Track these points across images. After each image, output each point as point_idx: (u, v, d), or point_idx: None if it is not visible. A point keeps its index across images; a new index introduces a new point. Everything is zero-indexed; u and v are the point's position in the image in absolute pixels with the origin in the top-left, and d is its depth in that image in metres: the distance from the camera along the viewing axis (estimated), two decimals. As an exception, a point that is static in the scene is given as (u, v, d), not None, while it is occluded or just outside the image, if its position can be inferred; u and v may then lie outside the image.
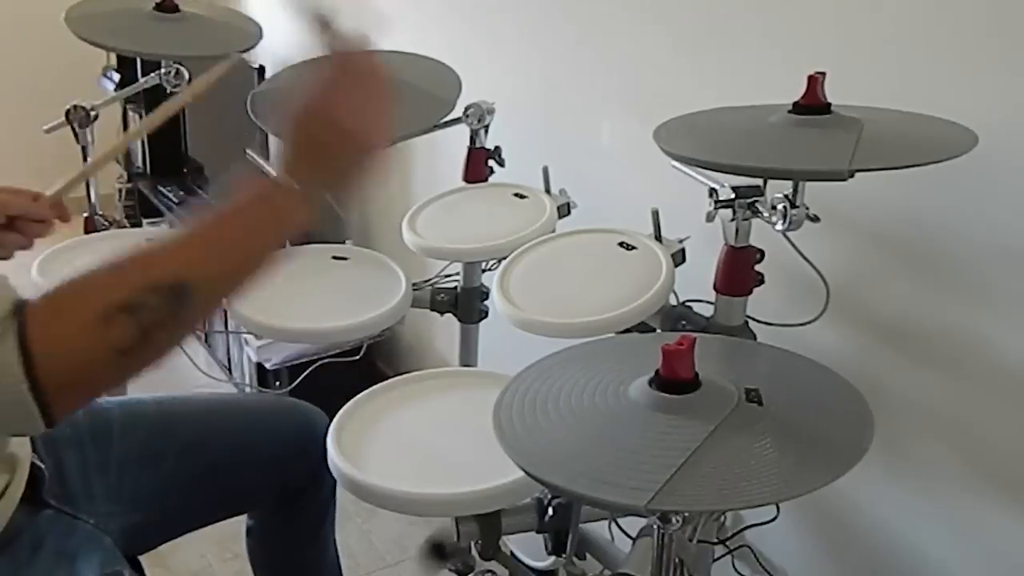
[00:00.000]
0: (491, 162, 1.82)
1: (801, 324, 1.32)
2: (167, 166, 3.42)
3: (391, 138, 0.89)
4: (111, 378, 0.83)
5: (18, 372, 0.75)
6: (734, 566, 1.61)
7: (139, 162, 3.54)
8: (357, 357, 2.15)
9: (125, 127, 3.56)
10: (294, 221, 0.88)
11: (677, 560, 1.07)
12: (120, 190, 3.66)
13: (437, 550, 1.30)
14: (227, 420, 1.38)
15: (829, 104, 1.16)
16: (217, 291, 0.86)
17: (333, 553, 1.55)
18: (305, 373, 2.28)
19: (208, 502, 1.33)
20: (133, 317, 0.78)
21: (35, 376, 0.76)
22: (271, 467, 1.38)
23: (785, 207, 1.17)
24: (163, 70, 2.00)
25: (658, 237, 1.43)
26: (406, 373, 1.39)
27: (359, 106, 0.88)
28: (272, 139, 2.69)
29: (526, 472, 0.90)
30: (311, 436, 1.31)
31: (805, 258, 1.29)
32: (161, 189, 3.32)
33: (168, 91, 2.02)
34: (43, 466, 1.12)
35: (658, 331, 1.37)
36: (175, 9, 1.91)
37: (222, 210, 0.86)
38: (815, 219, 1.18)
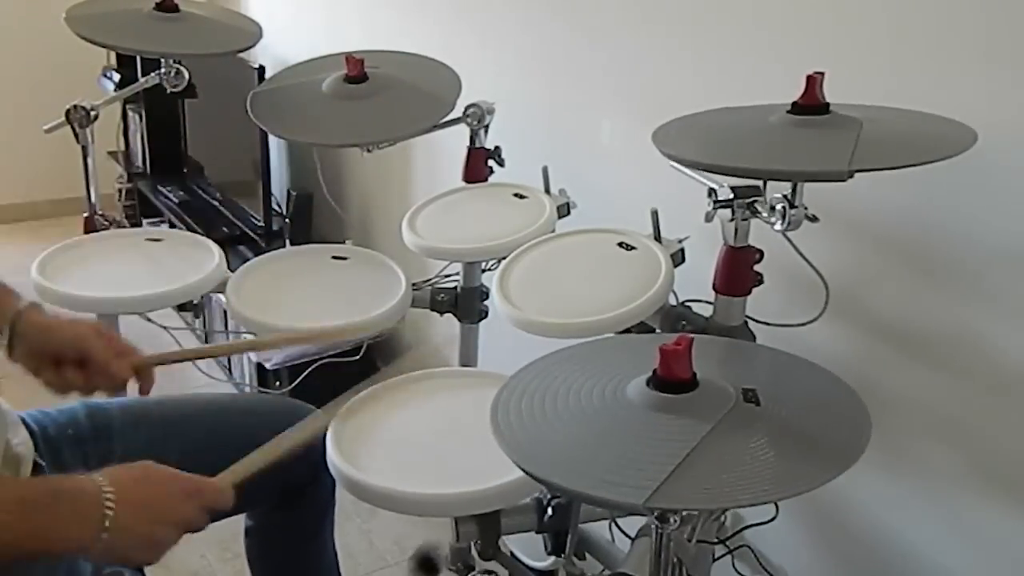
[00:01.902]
0: (491, 162, 1.82)
1: (801, 324, 1.32)
2: (167, 166, 3.42)
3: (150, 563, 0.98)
4: None
5: None
6: (734, 566, 1.61)
7: (139, 162, 3.54)
8: (357, 357, 2.15)
9: (125, 127, 3.56)
10: (74, 539, 0.91)
11: (676, 560, 1.07)
12: (120, 190, 3.67)
13: (425, 563, 1.30)
14: (227, 420, 1.38)
15: (828, 104, 1.16)
16: None
17: (332, 553, 1.55)
18: (305, 373, 2.28)
19: None
20: None
21: None
22: (271, 467, 1.38)
23: (784, 207, 1.17)
24: (163, 69, 2.00)
25: (657, 237, 1.43)
26: (406, 373, 1.39)
27: (176, 524, 0.98)
28: (272, 139, 2.69)
29: (524, 471, 0.90)
30: None
31: (804, 258, 1.29)
32: (161, 189, 3.32)
33: (168, 91, 2.02)
34: (44, 464, 1.12)
35: (657, 331, 1.37)
36: (175, 9, 1.91)
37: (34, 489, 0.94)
38: (814, 219, 1.18)
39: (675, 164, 1.28)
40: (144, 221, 3.50)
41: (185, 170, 3.38)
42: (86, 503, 0.92)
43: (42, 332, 1.14)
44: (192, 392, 2.44)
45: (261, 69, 2.60)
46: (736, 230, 1.25)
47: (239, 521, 1.49)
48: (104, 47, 2.01)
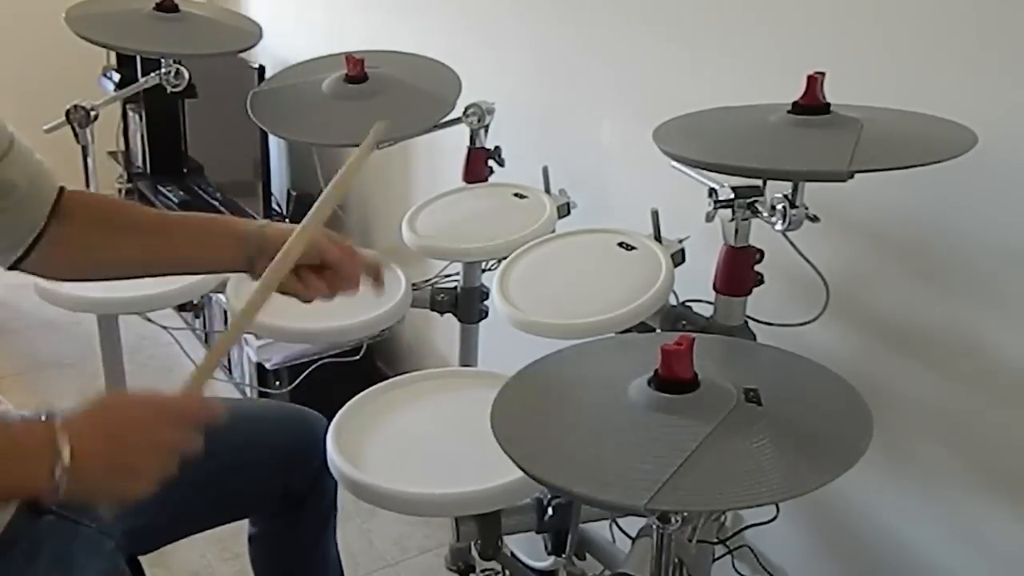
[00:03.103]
0: (491, 162, 1.82)
1: (801, 324, 1.32)
2: (167, 166, 3.42)
3: (139, 495, 0.93)
4: None
5: None
6: (734, 566, 1.61)
7: (139, 162, 3.54)
8: (357, 357, 2.16)
9: (125, 127, 3.56)
10: (28, 485, 0.90)
11: (676, 560, 1.07)
12: (120, 190, 3.66)
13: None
14: (229, 425, 1.37)
15: (828, 104, 1.16)
16: None
17: (336, 558, 1.55)
18: (305, 373, 2.28)
19: (210, 507, 1.33)
20: None
21: None
22: (272, 472, 1.38)
23: (785, 207, 1.17)
24: (163, 69, 2.00)
25: (658, 237, 1.43)
26: (406, 373, 1.39)
27: (156, 449, 0.93)
28: (272, 139, 2.69)
29: (525, 472, 0.90)
30: (312, 442, 1.31)
31: (805, 258, 1.29)
32: (161, 189, 3.32)
33: (168, 91, 2.02)
34: None
35: (658, 331, 1.37)
36: (175, 9, 1.91)
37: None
38: (815, 219, 1.18)
39: (675, 164, 1.28)
40: (144, 221, 3.50)
41: (185, 170, 3.37)
42: (35, 441, 0.89)
43: (279, 244, 1.13)
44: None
45: (261, 69, 2.60)
46: (736, 230, 1.25)
47: (239, 521, 1.49)
48: (104, 47, 2.01)
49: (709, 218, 1.24)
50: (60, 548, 1.09)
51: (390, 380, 1.36)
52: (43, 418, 0.92)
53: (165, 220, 1.22)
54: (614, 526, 1.53)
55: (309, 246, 1.11)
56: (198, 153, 3.33)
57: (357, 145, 1.50)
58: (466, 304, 1.76)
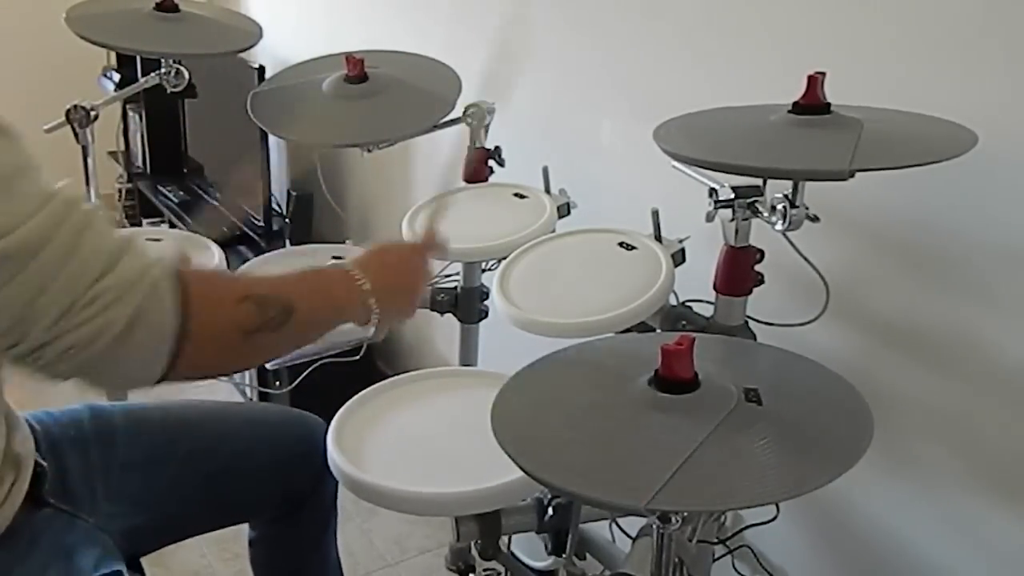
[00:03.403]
0: (491, 162, 1.82)
1: (801, 324, 1.32)
2: (167, 166, 3.42)
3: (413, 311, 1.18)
4: (227, 357, 0.96)
5: (170, 330, 0.86)
6: (734, 566, 1.61)
7: (139, 162, 3.54)
8: (357, 357, 2.15)
9: (125, 127, 3.56)
10: (354, 313, 1.07)
11: (677, 560, 1.07)
12: (120, 190, 3.66)
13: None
14: (230, 428, 1.38)
15: (829, 104, 1.16)
16: (305, 329, 1.02)
17: (336, 561, 1.55)
18: (305, 373, 2.28)
19: (210, 509, 1.33)
20: (258, 309, 0.94)
21: (183, 335, 0.87)
22: (272, 476, 1.38)
23: (785, 207, 1.17)
24: (163, 70, 2.00)
25: (658, 237, 1.43)
26: (406, 373, 1.39)
27: (422, 281, 1.19)
28: (272, 139, 2.69)
29: (525, 471, 0.90)
30: (312, 445, 1.31)
31: (805, 258, 1.29)
32: (161, 189, 3.32)
33: (168, 91, 2.01)
34: (45, 464, 1.12)
35: (658, 331, 1.37)
36: (175, 9, 1.91)
37: (321, 274, 1.09)
38: (815, 219, 1.18)
39: (675, 164, 1.28)
40: (144, 221, 3.50)
41: (185, 170, 3.37)
42: (341, 273, 1.07)
43: None
44: (195, 398, 2.45)
45: (261, 69, 2.60)
46: (737, 230, 1.25)
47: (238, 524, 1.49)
48: (104, 47, 2.01)
49: (709, 218, 1.24)
50: (60, 537, 1.09)
51: (390, 380, 1.36)
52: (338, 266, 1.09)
53: None
54: (614, 526, 1.53)
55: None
56: (198, 153, 3.33)
57: (357, 145, 1.53)
58: (466, 304, 1.76)
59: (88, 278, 0.82)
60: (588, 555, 1.46)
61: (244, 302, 0.93)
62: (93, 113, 1.91)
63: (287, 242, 2.77)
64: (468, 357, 1.84)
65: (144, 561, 1.26)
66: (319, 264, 1.13)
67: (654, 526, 0.99)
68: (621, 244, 1.43)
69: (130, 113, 3.51)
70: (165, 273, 0.87)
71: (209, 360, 0.93)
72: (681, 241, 1.44)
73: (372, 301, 1.05)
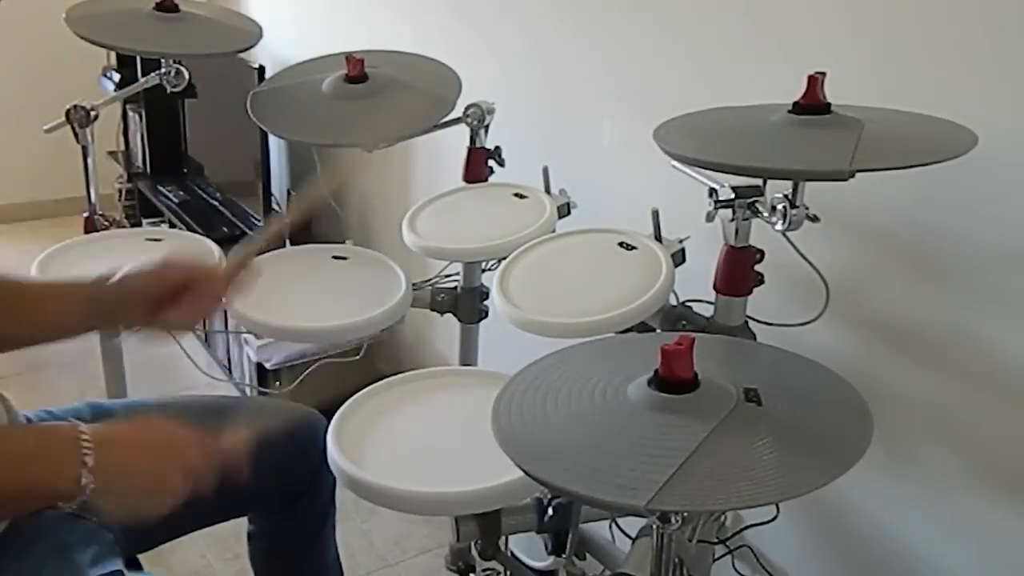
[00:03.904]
0: (491, 162, 1.82)
1: (801, 324, 1.32)
2: (167, 166, 3.42)
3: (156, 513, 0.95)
4: None
5: None
6: (734, 566, 1.61)
7: (139, 162, 3.54)
8: (357, 357, 2.16)
9: (125, 127, 3.56)
10: (54, 485, 0.91)
11: (677, 560, 1.07)
12: (120, 190, 3.66)
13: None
14: (228, 423, 1.38)
15: (829, 104, 1.16)
16: None
17: (335, 556, 1.56)
18: (305, 373, 2.28)
19: (209, 504, 1.33)
20: None
21: None
22: (271, 470, 1.38)
23: (785, 207, 1.17)
24: (163, 69, 2.00)
25: (658, 237, 1.43)
26: (406, 373, 1.39)
27: (181, 466, 0.97)
28: (272, 139, 2.69)
29: (524, 471, 0.90)
30: (311, 439, 1.31)
31: (805, 258, 1.29)
32: (161, 189, 3.32)
33: (168, 91, 2.02)
34: None
35: (658, 331, 1.37)
36: (175, 9, 1.91)
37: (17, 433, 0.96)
38: (815, 219, 1.18)
39: (676, 164, 1.28)
40: (144, 221, 3.50)
41: (185, 170, 3.37)
42: (60, 439, 0.91)
43: (133, 293, 1.11)
44: (193, 393, 2.45)
45: (261, 69, 2.60)
46: (737, 230, 1.25)
47: (239, 520, 1.50)
48: (104, 47, 2.01)
49: (709, 218, 1.24)
50: (60, 534, 1.10)
51: (390, 380, 1.36)
52: (71, 422, 0.94)
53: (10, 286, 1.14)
54: (614, 526, 1.53)
55: (150, 288, 1.10)
56: (198, 153, 3.33)
57: (357, 145, 1.49)
58: (466, 304, 1.76)
59: None
60: (588, 555, 1.46)
61: None
62: (93, 113, 1.91)
63: (287, 242, 2.77)
64: (468, 357, 1.84)
65: (144, 560, 1.26)
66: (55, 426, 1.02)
67: (654, 526, 0.99)
68: (621, 244, 1.43)
69: (130, 113, 3.52)
70: None
71: None
72: (681, 241, 1.44)
73: (87, 479, 0.89)
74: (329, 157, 2.41)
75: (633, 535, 1.31)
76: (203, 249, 1.77)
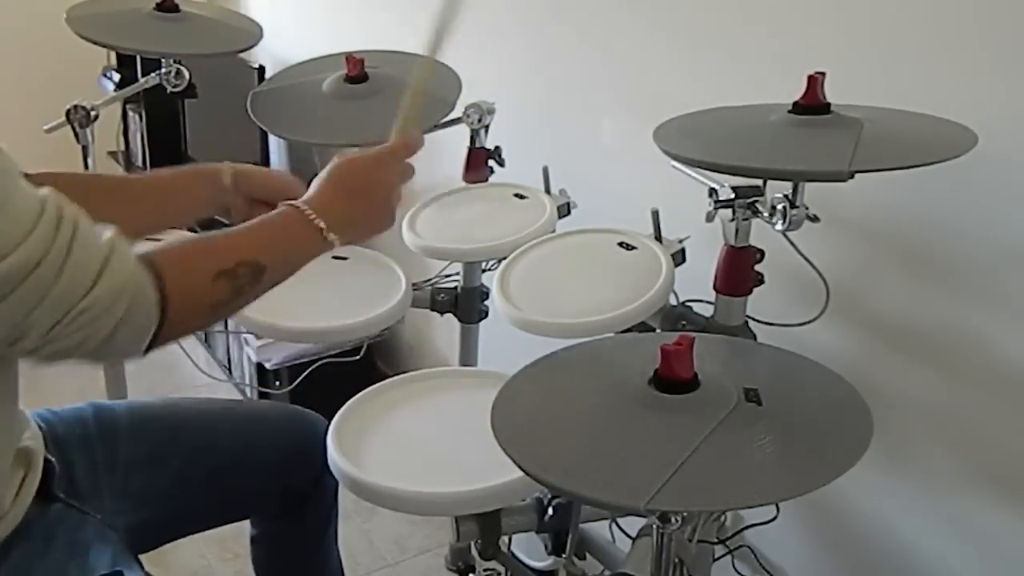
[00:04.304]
0: (491, 162, 1.82)
1: (801, 324, 1.32)
2: (167, 166, 3.41)
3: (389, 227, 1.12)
4: (198, 327, 1.00)
5: (151, 326, 0.89)
6: (734, 566, 1.61)
7: (139, 162, 3.54)
8: (357, 357, 2.15)
9: (125, 127, 3.56)
10: (316, 251, 1.06)
11: (677, 560, 1.07)
12: (120, 190, 3.66)
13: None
14: (231, 425, 1.38)
15: (829, 104, 1.16)
16: (273, 283, 1.01)
17: (337, 560, 1.56)
18: (305, 373, 2.28)
19: (211, 505, 1.34)
20: (231, 282, 0.95)
21: (161, 324, 0.90)
22: (274, 472, 1.39)
23: (785, 207, 1.17)
24: (163, 70, 2.00)
25: (658, 237, 1.43)
26: (406, 373, 1.39)
27: (393, 193, 1.11)
28: (272, 139, 2.69)
29: (524, 471, 0.90)
30: (312, 443, 1.31)
31: (805, 258, 1.29)
32: (161, 189, 3.31)
33: (168, 91, 2.01)
34: (53, 460, 1.13)
35: (658, 331, 1.37)
36: (175, 9, 1.91)
37: (278, 223, 1.04)
38: (815, 219, 1.18)
39: (675, 164, 1.28)
40: (144, 221, 3.50)
41: (185, 170, 3.37)
42: (295, 223, 1.03)
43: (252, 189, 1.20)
44: (197, 396, 2.45)
45: (261, 69, 2.60)
46: (737, 230, 1.25)
47: (239, 522, 1.50)
48: (104, 47, 2.01)
49: (709, 218, 1.24)
50: (73, 534, 1.11)
51: (390, 380, 1.36)
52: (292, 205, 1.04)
53: (132, 181, 1.25)
54: (614, 526, 1.53)
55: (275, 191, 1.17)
56: (198, 153, 3.33)
57: (357, 145, 1.49)
58: (466, 304, 1.76)
59: (79, 291, 0.84)
60: (588, 555, 1.46)
61: (218, 279, 0.94)
62: (93, 113, 1.91)
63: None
64: (468, 357, 1.84)
65: (144, 560, 1.26)
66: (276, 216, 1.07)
67: (654, 526, 0.99)
68: (621, 244, 1.43)
69: (130, 113, 3.51)
70: (146, 274, 0.89)
71: (183, 332, 0.96)
72: (681, 241, 1.44)
73: (332, 236, 1.04)
74: (329, 157, 2.41)
75: (633, 535, 1.31)
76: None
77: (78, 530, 1.12)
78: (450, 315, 1.78)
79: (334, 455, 1.19)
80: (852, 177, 1.02)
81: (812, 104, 1.16)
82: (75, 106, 1.90)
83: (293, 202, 1.04)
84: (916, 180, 1.11)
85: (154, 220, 1.19)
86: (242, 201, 1.19)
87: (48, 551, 1.07)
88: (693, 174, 1.29)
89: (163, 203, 1.20)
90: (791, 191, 1.17)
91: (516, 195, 1.69)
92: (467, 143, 1.81)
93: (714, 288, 1.30)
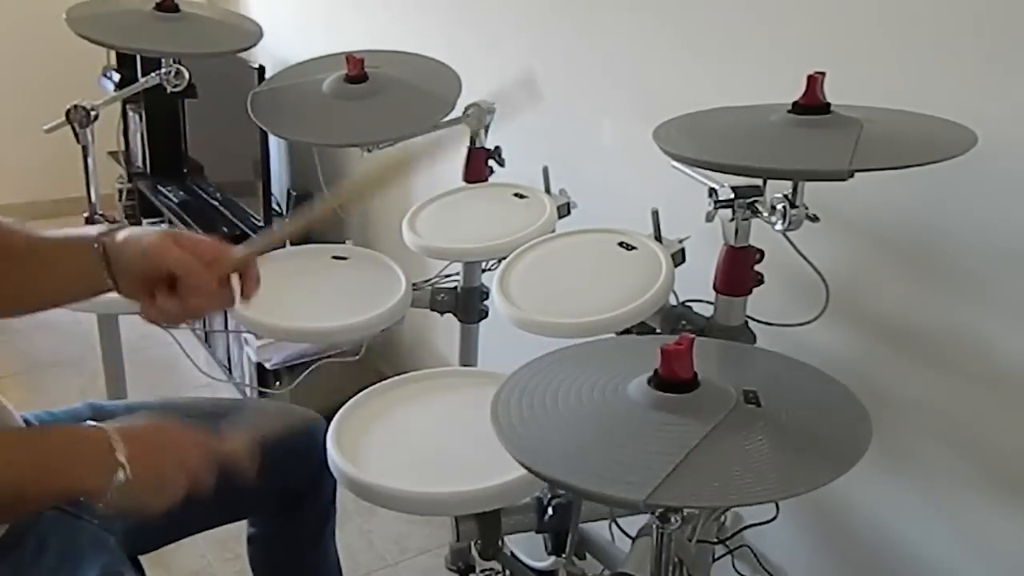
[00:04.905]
0: (491, 162, 1.82)
1: (801, 324, 1.32)
2: (167, 166, 3.42)
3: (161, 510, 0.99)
4: None
5: None
6: (734, 566, 1.61)
7: (139, 162, 3.54)
8: (357, 357, 2.16)
9: (125, 127, 3.56)
10: (85, 484, 0.95)
11: (677, 560, 1.07)
12: (120, 190, 3.67)
13: None
14: (228, 425, 1.38)
15: (829, 104, 1.16)
16: (24, 508, 0.95)
17: (335, 559, 1.56)
18: (305, 373, 2.28)
19: (209, 507, 1.33)
20: None
21: None
22: (271, 472, 1.38)
23: (785, 207, 1.17)
24: (163, 69, 2.00)
25: (658, 237, 1.43)
26: (406, 373, 1.39)
27: (189, 473, 1.01)
28: (272, 139, 2.69)
29: (525, 466, 0.90)
30: (311, 442, 1.31)
31: (805, 258, 1.29)
32: (161, 189, 3.32)
33: (168, 91, 2.02)
34: None
35: (658, 331, 1.37)
36: (175, 9, 1.91)
37: (67, 447, 0.95)
38: (815, 219, 1.18)
39: (675, 164, 1.28)
40: (144, 221, 3.50)
41: (185, 170, 3.38)
42: (96, 444, 0.94)
43: (127, 263, 1.01)
44: (194, 395, 2.45)
45: (261, 69, 2.60)
46: (737, 230, 1.25)
47: (239, 522, 1.50)
48: (104, 47, 2.01)
49: (709, 218, 1.24)
50: (66, 542, 1.09)
51: (390, 380, 1.36)
52: (100, 426, 0.96)
53: (18, 236, 1.08)
54: (614, 526, 1.53)
55: (153, 264, 0.99)
56: (198, 153, 3.33)
57: (357, 145, 1.48)
58: (466, 304, 1.76)
59: None
60: (588, 555, 1.46)
61: None
62: (93, 113, 1.91)
63: (287, 242, 2.77)
64: (468, 357, 1.84)
65: (144, 561, 1.26)
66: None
67: (654, 526, 0.99)
68: (621, 244, 1.43)
69: (130, 113, 3.52)
70: None
71: None
72: (681, 241, 1.44)
73: (116, 479, 0.93)
74: (329, 157, 2.41)
75: (633, 535, 1.31)
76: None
77: (72, 538, 1.10)
78: (450, 315, 1.78)
79: (333, 455, 1.19)
80: (852, 176, 1.02)
81: (812, 104, 1.16)
82: (75, 106, 1.90)
83: (98, 425, 0.96)
84: (916, 180, 1.11)
85: (30, 290, 1.05)
86: (128, 279, 1.01)
87: (39, 560, 1.06)
88: (693, 174, 1.29)
89: (36, 273, 1.05)
90: (791, 191, 1.17)
91: (516, 195, 1.69)
92: (467, 143, 1.81)
93: (714, 288, 1.30)
